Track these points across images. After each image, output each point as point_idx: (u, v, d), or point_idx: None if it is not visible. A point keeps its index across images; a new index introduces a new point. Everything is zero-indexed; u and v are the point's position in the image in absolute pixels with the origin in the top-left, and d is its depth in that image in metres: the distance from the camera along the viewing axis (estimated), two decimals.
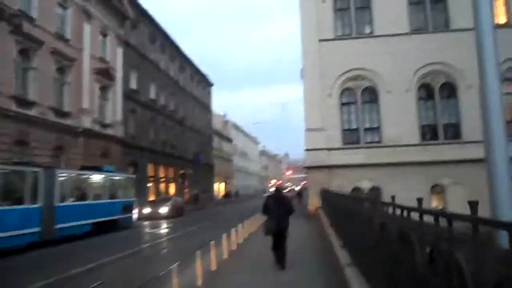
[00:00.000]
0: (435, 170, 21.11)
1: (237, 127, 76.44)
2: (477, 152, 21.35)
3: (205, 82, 56.86)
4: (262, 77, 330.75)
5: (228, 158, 68.42)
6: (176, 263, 7.38)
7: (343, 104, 22.66)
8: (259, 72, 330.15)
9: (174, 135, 42.19)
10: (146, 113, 35.25)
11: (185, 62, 47.74)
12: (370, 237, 5.05)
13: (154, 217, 25.71)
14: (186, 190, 45.55)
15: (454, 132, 22.04)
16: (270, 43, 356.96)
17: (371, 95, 22.61)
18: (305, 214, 21.89)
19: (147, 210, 26.41)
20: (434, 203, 21.35)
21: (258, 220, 18.26)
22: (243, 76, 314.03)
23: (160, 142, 37.92)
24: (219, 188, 62.74)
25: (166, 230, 20.50)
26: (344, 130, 22.46)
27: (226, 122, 64.28)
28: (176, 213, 27.47)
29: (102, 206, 18.30)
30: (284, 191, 12.38)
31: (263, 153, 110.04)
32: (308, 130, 22.39)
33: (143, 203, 28.47)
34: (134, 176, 24.33)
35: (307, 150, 22.41)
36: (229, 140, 69.80)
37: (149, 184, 35.24)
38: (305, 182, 78.57)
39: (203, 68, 54.85)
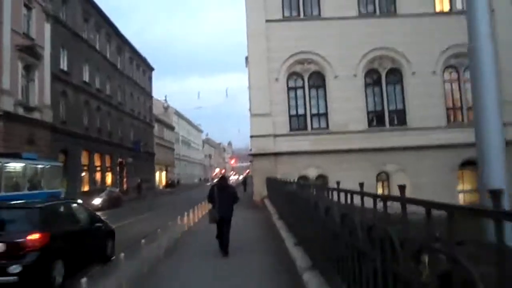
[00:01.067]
0: (381, 157, 20.91)
1: (179, 115, 73.98)
2: (421, 139, 21.45)
3: (145, 66, 54.07)
4: (207, 66, 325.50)
5: (170, 146, 66.08)
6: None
7: (290, 88, 21.80)
8: (204, 60, 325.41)
9: (111, 121, 39.53)
10: (79, 96, 32.47)
11: (123, 44, 44.89)
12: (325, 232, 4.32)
13: None
14: (125, 180, 43.20)
15: (399, 119, 21.95)
16: (215, 32, 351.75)
17: (319, 79, 21.95)
18: (250, 204, 20.90)
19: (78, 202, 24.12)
20: (380, 190, 21.15)
21: (200, 211, 17.04)
22: (187, 64, 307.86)
23: (95, 128, 35.24)
24: (160, 177, 60.43)
25: None
26: (291, 116, 21.65)
27: (166, 108, 61.60)
28: (112, 205, 25.49)
29: (21, 198, 16.10)
30: (228, 180, 12.11)
31: (207, 141, 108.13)
32: (254, 115, 21.33)
33: (75, 194, 26.18)
34: (60, 164, 22.03)
35: (253, 136, 21.36)
36: (171, 127, 67.35)
37: (83, 174, 32.69)
38: (248, 171, 77.98)
39: (146, 54, 52.39)
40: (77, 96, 32.05)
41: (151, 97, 56.62)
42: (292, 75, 21.84)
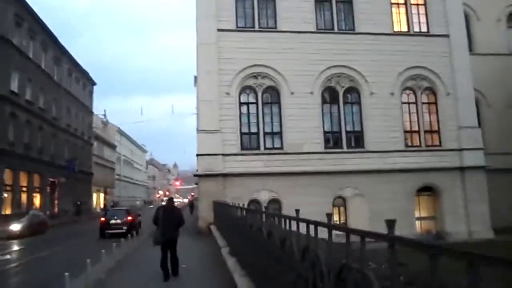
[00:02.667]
0: (337, 181, 19.56)
1: (122, 133, 70.12)
2: (379, 162, 20.39)
3: (85, 80, 50.48)
4: (154, 87, 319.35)
5: (110, 166, 61.98)
6: None
7: (242, 104, 20.02)
8: (152, 81, 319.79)
9: (43, 137, 35.81)
10: (4, 108, 28.87)
11: (61, 54, 41.46)
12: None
13: (1, 236, 20.09)
14: (56, 202, 39.20)
15: (357, 141, 20.77)
16: (165, 54, 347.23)
17: (273, 96, 20.39)
18: (195, 230, 18.64)
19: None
20: (336, 217, 19.71)
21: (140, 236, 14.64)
22: (134, 84, 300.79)
23: (22, 144, 31.53)
24: (98, 199, 56.12)
25: (10, 256, 15.56)
26: (242, 134, 19.79)
27: (105, 123, 57.29)
28: (34, 231, 22.08)
29: None
30: (174, 203, 11.16)
31: (151, 162, 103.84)
32: (201, 131, 19.21)
33: None
34: None
35: (199, 155, 19.18)
36: (112, 146, 63.40)
37: (5, 195, 28.84)
38: (193, 193, 74.71)
39: (93, 73, 49.10)
40: (1, 108, 28.46)
41: (91, 113, 52.85)
42: (245, 89, 20.12)
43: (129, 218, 20.61)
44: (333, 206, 19.60)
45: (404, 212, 19.52)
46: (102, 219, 21.36)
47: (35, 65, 34.57)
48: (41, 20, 35.78)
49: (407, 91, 21.38)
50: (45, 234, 22.85)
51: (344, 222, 19.40)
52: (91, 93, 53.19)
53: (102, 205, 56.91)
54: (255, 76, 20.02)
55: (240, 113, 19.82)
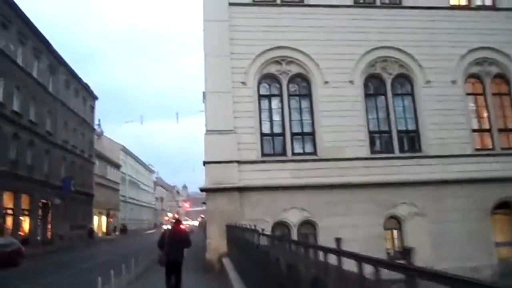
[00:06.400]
0: (389, 195, 14.82)
1: (127, 151, 66.08)
2: (441, 171, 15.68)
3: (86, 93, 46.76)
4: (165, 110, 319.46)
5: (114, 187, 57.69)
6: None
7: (262, 96, 15.53)
8: (162, 104, 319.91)
9: (34, 153, 31.79)
10: None
11: (57, 63, 37.76)
12: None
13: None
14: (49, 226, 34.90)
15: (411, 143, 16.08)
16: (177, 79, 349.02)
17: (302, 86, 15.86)
18: (204, 263, 14.01)
19: None
20: (389, 244, 14.98)
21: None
22: (144, 107, 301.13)
23: (7, 160, 27.47)
24: (100, 222, 51.65)
25: None
26: (263, 135, 15.18)
27: (100, 135, 53.15)
28: (4, 262, 17.69)
29: None
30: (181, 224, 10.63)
31: (159, 183, 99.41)
32: (210, 132, 14.65)
33: None
34: None
35: (207, 163, 14.55)
36: (116, 165, 59.24)
37: None
38: (202, 216, 69.60)
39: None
40: None
41: (92, 129, 48.97)
42: (265, 78, 15.58)
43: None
44: (385, 229, 14.86)
45: (478, 235, 14.81)
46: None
47: (24, 73, 30.80)
48: (33, 24, 32.24)
49: (472, 80, 16.81)
50: (19, 267, 18.44)
51: (399, 250, 14.65)
52: (92, 108, 49.44)
53: (104, 229, 52.43)
54: (278, 61, 15.57)
55: (260, 109, 15.31)
